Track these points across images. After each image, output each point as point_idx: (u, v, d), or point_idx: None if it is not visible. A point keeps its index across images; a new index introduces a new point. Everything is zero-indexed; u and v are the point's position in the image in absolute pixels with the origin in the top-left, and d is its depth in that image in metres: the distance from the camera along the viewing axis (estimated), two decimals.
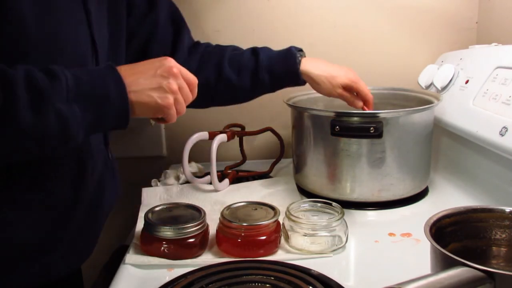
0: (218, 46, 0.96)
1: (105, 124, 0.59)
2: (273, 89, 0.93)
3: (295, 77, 0.89)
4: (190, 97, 0.66)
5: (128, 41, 0.84)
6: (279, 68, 0.89)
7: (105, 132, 0.72)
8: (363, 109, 0.91)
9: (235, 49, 0.94)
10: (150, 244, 0.70)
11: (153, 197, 0.94)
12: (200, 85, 0.68)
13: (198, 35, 1.15)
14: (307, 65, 0.89)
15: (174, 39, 0.91)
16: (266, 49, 0.92)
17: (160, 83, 0.61)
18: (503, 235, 0.59)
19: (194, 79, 0.66)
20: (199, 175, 1.07)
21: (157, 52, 0.88)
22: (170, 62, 0.63)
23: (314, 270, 0.63)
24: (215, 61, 0.90)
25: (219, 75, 0.89)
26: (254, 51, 0.91)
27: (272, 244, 0.71)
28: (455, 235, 0.59)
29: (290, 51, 0.90)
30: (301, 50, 0.91)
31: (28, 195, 0.63)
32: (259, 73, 0.89)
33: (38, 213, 0.64)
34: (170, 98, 0.62)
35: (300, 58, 0.89)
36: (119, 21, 0.79)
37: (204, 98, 0.81)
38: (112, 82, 0.58)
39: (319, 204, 0.76)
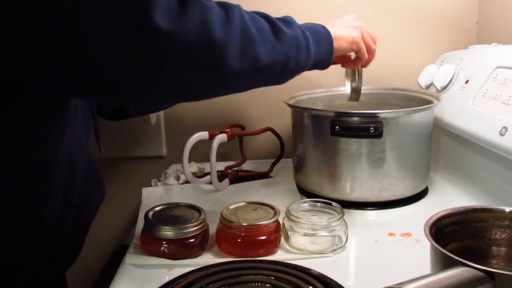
0: None
1: (321, 52, 0.71)
2: None
3: None
4: (375, 38, 0.83)
5: None
6: None
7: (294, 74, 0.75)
8: None
9: None
10: (150, 244, 0.70)
11: (153, 197, 0.94)
12: None
13: None
14: None
15: None
16: None
17: (346, 25, 0.78)
18: (503, 235, 0.59)
19: (373, 36, 0.84)
20: (199, 175, 1.07)
21: None
22: (349, 15, 0.82)
23: (314, 270, 0.63)
24: None
25: None
26: None
27: (272, 244, 0.71)
28: (455, 235, 0.59)
29: None
30: None
31: (22, 205, 0.62)
32: None
33: (31, 220, 0.64)
34: (357, 32, 0.78)
35: None
36: None
37: None
38: (315, 24, 0.74)
39: (319, 204, 0.76)
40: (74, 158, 0.70)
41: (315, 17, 1.15)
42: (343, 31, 0.76)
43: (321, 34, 0.72)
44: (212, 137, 0.97)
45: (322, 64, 0.74)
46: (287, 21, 0.66)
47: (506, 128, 0.75)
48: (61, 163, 0.66)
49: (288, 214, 0.72)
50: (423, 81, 1.06)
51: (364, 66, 0.88)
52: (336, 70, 1.19)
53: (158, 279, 0.64)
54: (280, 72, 0.64)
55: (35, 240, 0.66)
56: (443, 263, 0.50)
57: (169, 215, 0.73)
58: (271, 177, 1.06)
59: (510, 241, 0.59)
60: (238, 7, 0.59)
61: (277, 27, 0.62)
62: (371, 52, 0.82)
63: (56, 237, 0.69)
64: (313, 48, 0.69)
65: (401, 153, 0.84)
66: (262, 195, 0.93)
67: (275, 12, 1.14)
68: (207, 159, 0.94)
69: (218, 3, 0.56)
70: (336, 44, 0.74)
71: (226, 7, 0.57)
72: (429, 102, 0.91)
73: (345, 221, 0.72)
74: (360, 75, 0.90)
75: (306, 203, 0.77)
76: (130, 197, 1.15)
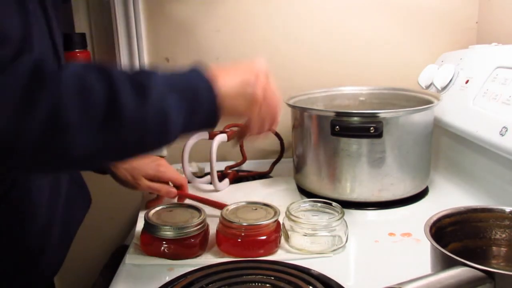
0: None
1: (197, 121, 0.56)
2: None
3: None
4: (277, 102, 0.63)
5: None
6: None
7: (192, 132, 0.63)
8: (181, 194, 0.87)
9: None
10: (150, 244, 0.70)
11: (153, 197, 0.94)
12: None
13: (199, 35, 1.15)
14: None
15: None
16: None
17: (248, 78, 0.60)
18: (503, 235, 0.59)
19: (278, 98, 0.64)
20: (199, 175, 1.07)
21: None
22: (260, 62, 0.62)
23: (314, 270, 0.63)
24: None
25: None
26: None
27: (272, 244, 0.71)
28: (455, 235, 0.59)
29: None
30: None
31: (8, 218, 0.62)
32: None
33: (13, 236, 0.63)
34: (258, 90, 0.60)
35: None
36: (61, 23, 0.73)
37: None
38: (200, 74, 0.56)
39: (319, 204, 0.76)
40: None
41: (315, 17, 1.15)
42: (236, 87, 0.59)
43: (198, 96, 0.55)
44: (212, 137, 0.97)
45: (198, 130, 0.61)
46: (145, 87, 0.51)
47: (506, 128, 0.75)
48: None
49: (288, 214, 0.72)
50: (423, 81, 1.06)
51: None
52: (336, 70, 1.19)
53: (158, 279, 0.64)
54: (109, 160, 0.56)
55: (18, 254, 0.65)
56: (443, 263, 0.50)
57: (169, 215, 0.73)
58: (271, 177, 1.06)
59: (510, 241, 0.59)
60: (62, 76, 0.47)
61: (118, 105, 0.48)
62: (273, 121, 0.64)
63: (41, 250, 0.67)
64: (179, 120, 0.53)
65: (401, 153, 0.84)
66: (262, 195, 0.93)
67: (274, 13, 1.14)
68: (207, 159, 0.94)
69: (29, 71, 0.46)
70: (223, 108, 0.57)
71: (37, 80, 0.46)
72: (429, 102, 0.91)
73: (345, 221, 0.72)
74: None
75: (306, 203, 0.77)
76: (130, 197, 1.14)
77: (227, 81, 0.58)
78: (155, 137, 0.53)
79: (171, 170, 0.87)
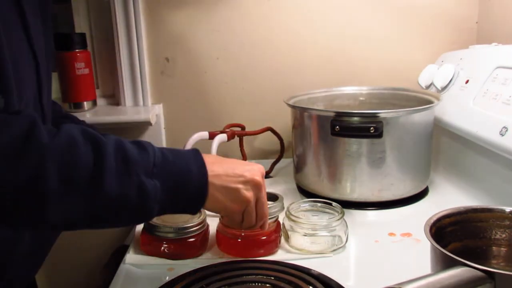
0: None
1: (179, 205, 0.57)
2: None
3: None
4: (265, 214, 0.64)
5: None
6: None
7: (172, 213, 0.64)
8: None
9: None
10: (150, 244, 0.70)
11: None
12: None
13: (198, 35, 1.15)
14: None
15: None
16: None
17: (239, 186, 0.60)
18: (503, 235, 0.59)
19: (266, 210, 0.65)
20: None
21: None
22: (260, 169, 0.63)
23: (314, 270, 0.63)
24: None
25: None
26: None
27: (272, 244, 0.71)
28: (455, 235, 0.59)
29: None
30: None
31: None
32: None
33: None
34: (242, 205, 0.61)
35: None
36: (49, 23, 0.71)
37: None
38: (195, 167, 0.57)
39: (319, 204, 0.76)
40: None
41: (315, 17, 1.15)
42: (223, 193, 0.59)
43: (188, 186, 0.56)
44: (212, 137, 0.97)
45: (179, 213, 0.62)
46: (133, 164, 0.53)
47: (506, 128, 0.75)
48: None
49: (288, 214, 0.72)
50: (423, 81, 1.06)
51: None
52: (336, 70, 1.19)
53: (158, 279, 0.64)
54: (86, 228, 0.55)
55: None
56: (443, 263, 0.50)
57: (169, 215, 0.73)
58: (271, 177, 1.06)
59: (510, 241, 0.59)
60: (51, 145, 0.48)
61: (100, 181, 0.50)
62: (247, 226, 0.64)
63: (4, 263, 0.64)
64: (159, 202, 0.54)
65: (401, 153, 0.84)
66: None
67: (274, 12, 1.14)
68: None
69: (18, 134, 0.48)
70: (210, 201, 0.58)
71: (24, 143, 0.47)
72: (429, 102, 0.91)
73: (345, 221, 0.72)
74: None
75: (306, 203, 0.77)
76: None
77: (220, 173, 0.59)
78: (133, 214, 0.54)
79: None
